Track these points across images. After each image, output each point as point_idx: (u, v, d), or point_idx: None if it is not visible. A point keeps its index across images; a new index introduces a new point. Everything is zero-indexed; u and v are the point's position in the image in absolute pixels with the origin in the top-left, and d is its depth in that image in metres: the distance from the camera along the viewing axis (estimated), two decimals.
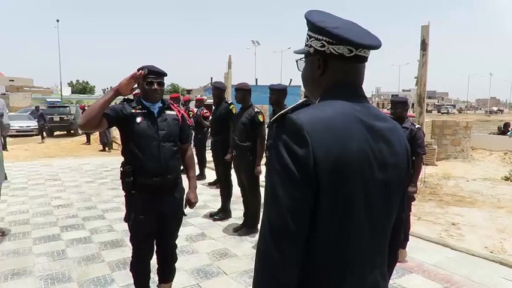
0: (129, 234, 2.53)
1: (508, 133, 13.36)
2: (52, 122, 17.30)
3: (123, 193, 6.43)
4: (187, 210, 2.64)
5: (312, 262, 0.93)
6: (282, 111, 1.00)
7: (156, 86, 2.38)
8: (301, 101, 1.03)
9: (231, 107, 4.69)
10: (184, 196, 2.60)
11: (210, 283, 3.22)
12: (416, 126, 3.63)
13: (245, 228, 4.41)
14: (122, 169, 2.41)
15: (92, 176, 7.89)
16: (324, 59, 1.01)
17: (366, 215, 0.96)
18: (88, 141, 14.33)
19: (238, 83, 4.28)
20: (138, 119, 2.34)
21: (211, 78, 18.81)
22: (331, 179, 0.89)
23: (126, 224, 4.57)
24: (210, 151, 5.42)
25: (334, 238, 0.93)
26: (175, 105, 2.68)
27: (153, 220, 2.45)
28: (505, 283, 3.22)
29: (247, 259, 3.71)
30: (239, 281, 3.25)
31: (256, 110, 4.11)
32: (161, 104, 2.48)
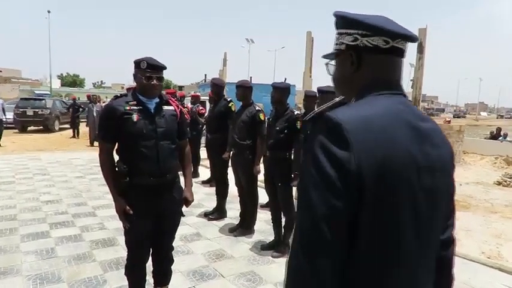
0: (124, 235, 2.39)
1: (500, 138, 13.52)
2: (25, 116, 15.26)
3: None
4: (183, 209, 2.53)
5: (352, 279, 0.83)
6: (316, 110, 0.91)
7: (155, 81, 2.23)
8: (338, 99, 0.93)
9: (230, 105, 4.58)
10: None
11: (206, 285, 3.12)
12: None
13: (241, 229, 4.32)
14: (116, 169, 2.28)
15: (82, 171, 7.70)
16: (357, 54, 0.94)
17: (413, 227, 0.86)
18: (75, 135, 14.03)
19: (239, 80, 4.18)
20: (135, 117, 2.19)
21: (205, 75, 18.73)
22: (375, 186, 0.79)
23: (118, 222, 4.47)
24: (204, 148, 5.31)
25: (377, 252, 0.83)
26: (174, 99, 2.54)
27: (150, 222, 2.32)
28: None
29: (244, 261, 3.61)
30: (237, 284, 3.15)
31: (257, 108, 4.01)
32: (158, 100, 2.31)
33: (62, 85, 60.36)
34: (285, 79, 11.38)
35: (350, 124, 0.81)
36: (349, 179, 0.78)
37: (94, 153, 10.21)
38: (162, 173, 2.26)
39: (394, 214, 0.83)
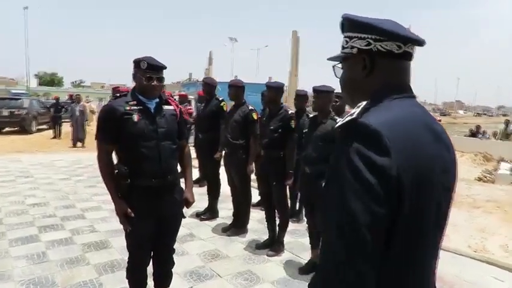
0: (125, 238, 2.33)
1: (479, 135, 13.95)
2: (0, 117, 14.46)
3: (102, 191, 6.17)
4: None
5: (381, 283, 0.84)
6: (349, 117, 0.88)
7: (155, 82, 2.18)
8: (364, 104, 0.95)
9: (221, 104, 4.57)
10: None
11: (204, 286, 3.11)
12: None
13: (234, 228, 4.32)
14: (117, 171, 2.24)
15: (67, 173, 7.53)
16: (370, 58, 0.95)
17: (433, 229, 0.89)
18: (56, 135, 13.69)
19: (232, 80, 4.18)
20: (135, 117, 2.15)
21: (190, 74, 18.57)
22: (411, 192, 0.81)
23: (109, 224, 4.48)
24: (193, 148, 5.27)
25: (404, 257, 0.86)
26: (172, 98, 2.51)
27: (151, 224, 2.29)
28: (495, 282, 3.31)
29: (240, 260, 3.62)
30: (234, 283, 3.16)
31: (250, 107, 4.02)
32: (158, 99, 2.28)
33: (40, 84, 58.76)
34: (270, 78, 11.41)
35: (388, 131, 0.81)
36: (390, 185, 0.79)
37: (77, 155, 10.08)
38: (163, 174, 2.23)
39: (424, 219, 0.86)
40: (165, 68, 2.26)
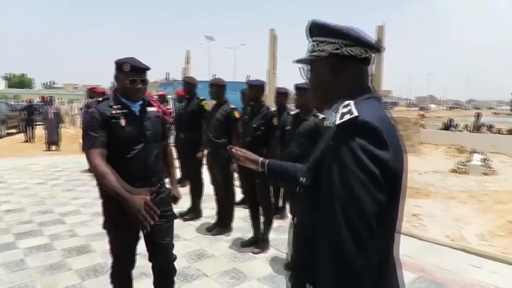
0: (109, 243, 2.29)
1: (451, 128, 14.43)
2: None
3: (80, 195, 6.05)
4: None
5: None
6: (348, 115, 0.94)
7: (139, 85, 2.11)
8: (352, 103, 0.98)
9: (202, 103, 4.54)
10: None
11: (191, 286, 3.09)
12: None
13: (219, 228, 4.31)
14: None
15: (43, 177, 7.30)
16: (339, 62, 1.05)
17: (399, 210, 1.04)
18: (29, 139, 13.22)
19: (213, 79, 4.16)
20: (123, 122, 2.08)
21: (168, 73, 18.31)
22: (398, 180, 0.95)
23: (89, 228, 4.40)
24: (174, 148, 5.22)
25: (388, 236, 1.01)
26: (153, 98, 2.48)
27: (136, 227, 2.17)
28: (472, 269, 3.44)
29: (226, 259, 3.62)
30: (221, 282, 3.16)
31: (232, 106, 4.01)
32: (141, 101, 2.21)
33: (9, 86, 56.59)
34: (248, 76, 11.43)
35: (383, 127, 0.92)
36: (389, 175, 0.90)
37: (53, 158, 9.79)
38: (148, 177, 2.18)
39: (400, 202, 1.01)
40: (149, 69, 2.19)
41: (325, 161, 0.96)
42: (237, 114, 3.99)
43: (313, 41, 1.10)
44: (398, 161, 0.95)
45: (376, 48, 1.07)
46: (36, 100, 18.25)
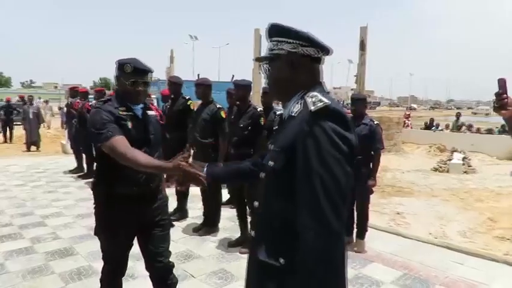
0: (101, 248, 2.21)
1: (433, 128, 14.74)
2: None
3: (62, 197, 5.91)
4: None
5: None
6: (320, 103, 1.10)
7: (141, 87, 2.03)
8: (318, 95, 1.15)
9: (188, 103, 4.50)
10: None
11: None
12: (375, 122, 3.80)
13: (205, 228, 4.29)
14: (96, 178, 2.13)
15: (22, 179, 7.09)
16: (297, 59, 1.20)
17: None
18: (6, 139, 12.83)
19: (199, 79, 4.13)
20: (129, 124, 2.01)
21: (152, 72, 18.03)
22: (355, 155, 1.14)
23: (72, 230, 4.31)
24: None
25: (348, 203, 1.28)
26: (152, 102, 2.44)
27: (130, 234, 2.16)
28: (455, 266, 3.52)
29: (213, 259, 3.60)
30: (209, 283, 3.14)
31: (218, 106, 3.99)
32: (142, 105, 2.14)
33: None
34: (233, 76, 11.41)
35: (346, 114, 1.12)
36: (353, 152, 1.10)
37: (33, 159, 9.54)
38: (146, 182, 2.08)
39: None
40: (152, 71, 2.11)
41: (300, 143, 1.10)
42: (223, 114, 3.97)
43: (272, 41, 1.24)
44: (355, 138, 1.14)
45: (326, 49, 1.23)
46: (15, 99, 17.76)
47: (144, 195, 2.11)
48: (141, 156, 1.86)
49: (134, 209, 2.07)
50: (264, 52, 1.31)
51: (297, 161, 1.09)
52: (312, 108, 1.11)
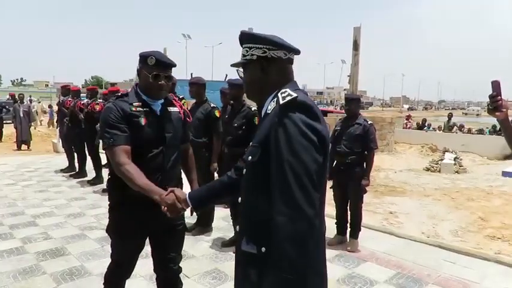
0: (111, 247, 2.17)
1: (425, 128, 14.87)
2: None
3: (54, 196, 5.83)
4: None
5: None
6: (288, 97, 1.17)
7: (163, 81, 1.94)
8: (288, 90, 1.22)
9: (182, 102, 4.47)
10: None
11: None
12: (369, 122, 3.82)
13: (199, 228, 4.27)
14: (110, 177, 2.06)
15: (13, 178, 7.00)
16: (267, 62, 1.29)
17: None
18: None
19: (193, 78, 4.11)
20: (142, 121, 1.92)
21: None
22: (327, 144, 1.20)
23: (64, 230, 4.27)
24: None
25: (323, 193, 1.26)
26: (176, 99, 2.30)
27: (143, 237, 2.11)
28: (447, 264, 3.55)
29: (207, 259, 3.59)
30: (202, 283, 3.13)
31: (212, 105, 3.98)
32: (163, 100, 2.05)
33: None
34: (226, 75, 11.38)
35: (313, 105, 1.20)
36: (322, 141, 1.16)
37: (23, 158, 9.43)
38: (163, 183, 1.94)
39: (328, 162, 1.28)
40: (175, 65, 2.04)
41: (272, 135, 1.17)
42: (217, 113, 3.96)
43: (244, 48, 1.34)
44: (326, 129, 1.21)
45: (295, 50, 1.33)
46: (6, 98, 17.52)
47: None
48: (135, 174, 1.81)
49: (148, 213, 1.96)
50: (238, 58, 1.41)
51: (270, 153, 1.17)
52: (281, 101, 1.18)
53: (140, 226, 2.02)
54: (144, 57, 1.95)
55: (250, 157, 1.29)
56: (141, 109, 1.94)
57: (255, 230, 1.26)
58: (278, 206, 1.11)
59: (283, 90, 1.23)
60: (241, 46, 1.36)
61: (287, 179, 1.10)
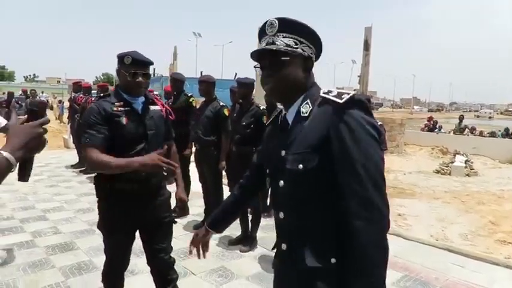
0: (103, 242, 2.21)
1: (435, 130, 14.69)
2: None
3: (64, 191, 5.93)
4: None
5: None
6: (346, 95, 1.12)
7: (140, 79, 2.02)
8: (335, 90, 1.18)
9: (191, 100, 4.49)
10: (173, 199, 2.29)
11: (178, 285, 3.03)
12: (379, 123, 3.77)
13: None
14: (97, 173, 2.13)
15: None
16: (311, 63, 1.24)
17: None
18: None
19: (202, 76, 4.12)
20: (124, 120, 1.99)
21: (154, 69, 18.13)
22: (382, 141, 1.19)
23: (73, 225, 4.32)
24: None
25: None
26: (158, 98, 2.38)
27: (132, 229, 2.17)
28: (456, 268, 3.51)
29: (213, 257, 3.60)
30: (209, 281, 3.14)
31: (221, 103, 3.98)
32: (144, 99, 2.12)
33: None
34: (236, 74, 11.39)
35: (367, 100, 1.18)
36: (379, 136, 1.13)
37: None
38: (146, 178, 2.06)
39: None
40: (152, 63, 2.11)
41: (334, 136, 1.10)
42: (226, 112, 3.96)
43: (293, 38, 1.19)
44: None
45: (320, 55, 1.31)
46: (19, 93, 17.81)
47: (145, 192, 2.10)
48: (109, 159, 1.89)
49: (135, 206, 2.06)
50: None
51: (334, 156, 1.10)
52: (340, 100, 1.12)
53: (129, 219, 2.08)
54: (121, 58, 2.04)
55: (301, 165, 1.15)
56: (122, 108, 2.02)
57: (321, 241, 1.16)
58: (355, 210, 1.05)
59: (328, 90, 1.18)
60: (284, 33, 1.19)
61: (363, 181, 1.05)
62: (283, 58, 1.18)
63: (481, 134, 14.47)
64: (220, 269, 3.35)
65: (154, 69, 17.94)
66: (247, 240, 3.82)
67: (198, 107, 4.38)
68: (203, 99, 4.18)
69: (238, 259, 3.57)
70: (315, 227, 1.16)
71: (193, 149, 4.47)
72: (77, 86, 7.80)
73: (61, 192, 5.78)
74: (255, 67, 1.31)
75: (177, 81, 4.61)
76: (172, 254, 3.51)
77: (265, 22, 1.23)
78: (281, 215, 1.24)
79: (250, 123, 3.62)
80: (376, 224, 1.05)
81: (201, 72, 9.92)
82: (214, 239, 4.05)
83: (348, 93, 1.13)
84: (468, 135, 13.99)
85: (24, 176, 1.15)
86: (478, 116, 58.18)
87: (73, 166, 7.58)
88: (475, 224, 4.98)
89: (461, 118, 15.64)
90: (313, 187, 1.15)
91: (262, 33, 1.25)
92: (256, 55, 1.26)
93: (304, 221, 1.18)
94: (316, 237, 1.16)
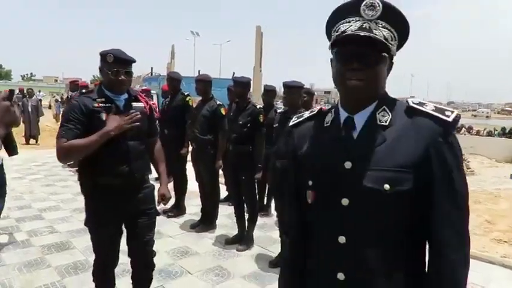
0: (91, 241, 2.24)
1: None
2: None
3: (60, 190, 5.93)
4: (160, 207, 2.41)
5: None
6: (453, 113, 0.97)
7: (123, 77, 2.06)
8: (417, 100, 1.04)
9: (187, 99, 4.48)
10: (156, 193, 2.36)
11: (175, 284, 3.06)
12: None
13: (203, 225, 4.28)
14: (80, 169, 2.15)
15: (21, 172, 7.08)
16: (391, 64, 1.05)
17: None
18: None
19: (199, 75, 4.11)
20: (103, 116, 2.03)
21: (152, 68, 18.13)
22: None
23: (69, 224, 4.30)
24: None
25: None
26: (143, 94, 2.42)
27: (118, 224, 2.21)
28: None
29: (210, 256, 3.60)
30: (205, 280, 3.13)
31: (218, 102, 3.98)
32: (127, 96, 2.16)
33: None
34: (234, 73, 11.39)
35: None
36: None
37: (31, 152, 9.50)
38: (129, 173, 2.11)
39: None
40: (134, 61, 2.15)
41: (435, 158, 0.95)
42: (223, 111, 3.95)
43: (389, 30, 0.98)
44: None
45: None
46: (16, 92, 17.75)
47: (128, 186, 2.13)
48: (75, 141, 1.95)
49: (119, 199, 2.11)
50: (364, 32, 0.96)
51: (434, 180, 0.94)
52: (448, 118, 0.96)
53: (114, 213, 2.12)
54: (103, 56, 2.08)
55: (387, 185, 0.95)
56: (103, 105, 2.06)
57: (396, 269, 0.99)
58: (452, 241, 0.95)
59: (419, 101, 1.02)
60: (385, 20, 0.97)
61: (463, 213, 0.96)
62: (383, 54, 0.97)
63: (478, 133, 14.52)
64: (216, 268, 3.35)
65: (152, 68, 17.94)
66: (243, 240, 3.82)
67: (194, 106, 4.37)
68: (200, 98, 4.18)
69: (235, 258, 3.57)
70: (389, 254, 0.99)
71: (190, 148, 4.46)
72: (74, 85, 7.77)
73: (57, 191, 5.75)
74: (333, 50, 1.03)
75: (174, 80, 4.60)
76: (169, 253, 3.55)
77: None
78: (341, 239, 1.02)
79: (247, 122, 3.61)
80: (467, 261, 0.98)
81: (199, 71, 9.89)
82: (210, 238, 4.05)
83: (451, 110, 0.98)
84: (465, 134, 14.03)
85: (12, 150, 1.22)
86: (475, 116, 58.37)
87: (69, 165, 7.54)
88: (471, 223, 4.92)
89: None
90: (398, 211, 0.97)
91: (351, 10, 0.99)
92: (345, 39, 0.97)
93: (377, 250, 0.99)
94: (392, 264, 0.99)
